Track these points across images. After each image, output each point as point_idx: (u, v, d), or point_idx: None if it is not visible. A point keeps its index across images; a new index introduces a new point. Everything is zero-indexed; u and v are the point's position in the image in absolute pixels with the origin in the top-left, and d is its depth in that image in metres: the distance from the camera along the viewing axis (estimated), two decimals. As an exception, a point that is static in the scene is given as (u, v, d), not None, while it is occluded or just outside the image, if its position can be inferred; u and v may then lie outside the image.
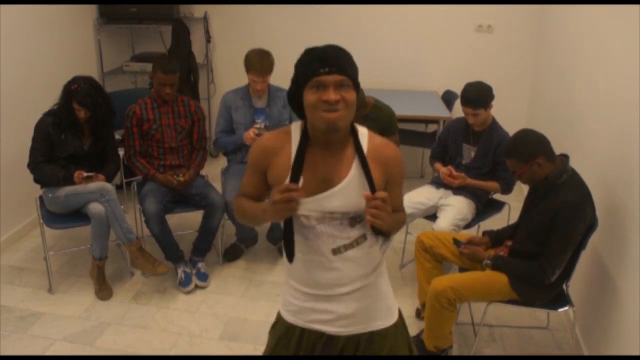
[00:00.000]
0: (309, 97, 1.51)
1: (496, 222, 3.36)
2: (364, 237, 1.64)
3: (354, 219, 1.61)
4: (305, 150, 1.59)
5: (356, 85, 1.54)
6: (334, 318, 1.67)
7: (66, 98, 3.14)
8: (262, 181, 1.68)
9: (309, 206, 1.59)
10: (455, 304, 2.56)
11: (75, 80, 3.16)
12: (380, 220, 1.46)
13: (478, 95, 3.07)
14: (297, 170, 1.57)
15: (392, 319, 1.75)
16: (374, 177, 1.58)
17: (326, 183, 1.59)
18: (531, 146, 2.45)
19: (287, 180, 1.56)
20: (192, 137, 3.54)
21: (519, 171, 2.50)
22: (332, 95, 1.48)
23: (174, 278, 3.43)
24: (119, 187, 4.14)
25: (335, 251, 1.62)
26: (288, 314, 1.75)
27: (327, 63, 1.48)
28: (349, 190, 1.58)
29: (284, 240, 1.61)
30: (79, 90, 3.11)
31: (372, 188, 1.56)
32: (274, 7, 5.03)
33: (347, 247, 1.63)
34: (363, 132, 1.66)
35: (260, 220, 1.64)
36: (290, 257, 1.63)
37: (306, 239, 1.63)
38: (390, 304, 1.76)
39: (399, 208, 1.73)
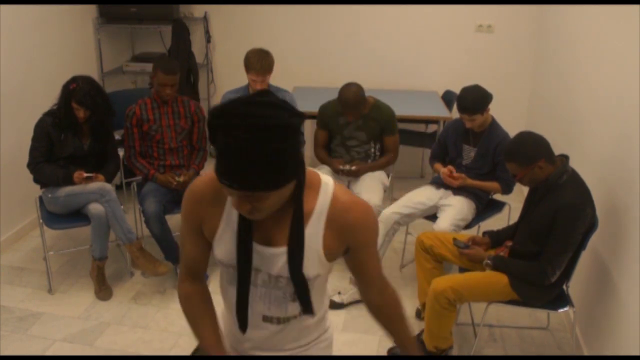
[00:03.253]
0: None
1: (496, 222, 3.37)
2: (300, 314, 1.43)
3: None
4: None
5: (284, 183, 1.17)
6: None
7: (65, 98, 3.14)
8: (202, 239, 1.40)
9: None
10: (455, 304, 2.56)
11: (74, 79, 3.16)
12: None
13: (473, 103, 3.06)
14: (244, 236, 1.29)
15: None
16: (327, 245, 1.31)
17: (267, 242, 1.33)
18: (531, 150, 2.45)
19: (228, 248, 1.33)
20: (192, 137, 3.54)
21: (519, 174, 2.50)
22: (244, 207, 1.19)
23: (174, 278, 3.43)
24: (119, 187, 4.14)
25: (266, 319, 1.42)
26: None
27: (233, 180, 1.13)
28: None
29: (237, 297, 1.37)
30: (78, 90, 3.11)
31: (299, 259, 1.28)
32: (274, 7, 5.03)
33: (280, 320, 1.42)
34: (327, 187, 1.32)
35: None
36: (244, 326, 1.40)
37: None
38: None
39: (374, 282, 1.43)
